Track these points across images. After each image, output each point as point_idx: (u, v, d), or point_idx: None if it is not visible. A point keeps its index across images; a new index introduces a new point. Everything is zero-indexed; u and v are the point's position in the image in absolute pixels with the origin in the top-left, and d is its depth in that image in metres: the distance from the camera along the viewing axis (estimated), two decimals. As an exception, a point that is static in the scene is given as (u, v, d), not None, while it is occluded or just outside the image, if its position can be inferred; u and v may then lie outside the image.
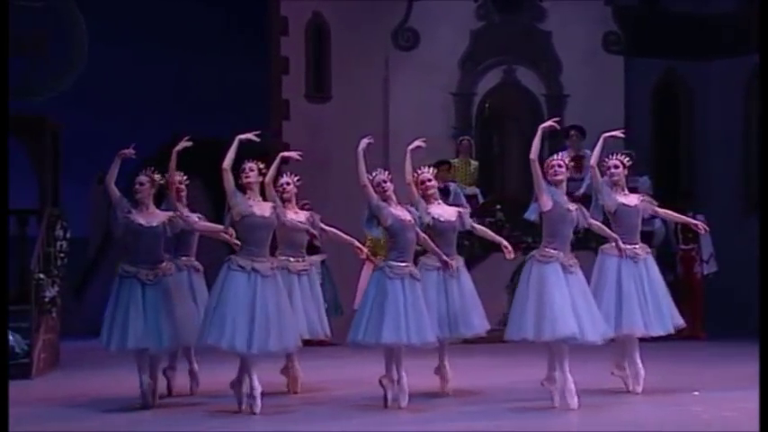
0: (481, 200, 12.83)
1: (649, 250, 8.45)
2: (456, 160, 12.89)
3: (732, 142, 14.56)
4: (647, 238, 12.25)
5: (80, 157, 12.35)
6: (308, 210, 11.69)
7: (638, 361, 8.27)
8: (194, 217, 8.45)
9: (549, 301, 7.36)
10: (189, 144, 8.02)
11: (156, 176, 8.14)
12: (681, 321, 8.42)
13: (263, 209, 7.71)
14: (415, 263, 7.93)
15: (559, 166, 7.79)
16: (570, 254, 7.67)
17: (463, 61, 14.21)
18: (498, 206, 12.60)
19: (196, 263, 8.69)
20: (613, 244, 8.14)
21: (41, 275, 10.29)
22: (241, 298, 7.46)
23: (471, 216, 12.26)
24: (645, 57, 14.42)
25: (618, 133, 8.41)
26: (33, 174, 11.10)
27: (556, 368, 7.52)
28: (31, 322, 9.99)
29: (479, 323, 8.22)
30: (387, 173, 7.91)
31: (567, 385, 7.46)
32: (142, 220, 7.89)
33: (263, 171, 7.88)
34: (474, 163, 13.03)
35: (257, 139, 7.83)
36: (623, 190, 8.28)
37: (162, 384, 8.37)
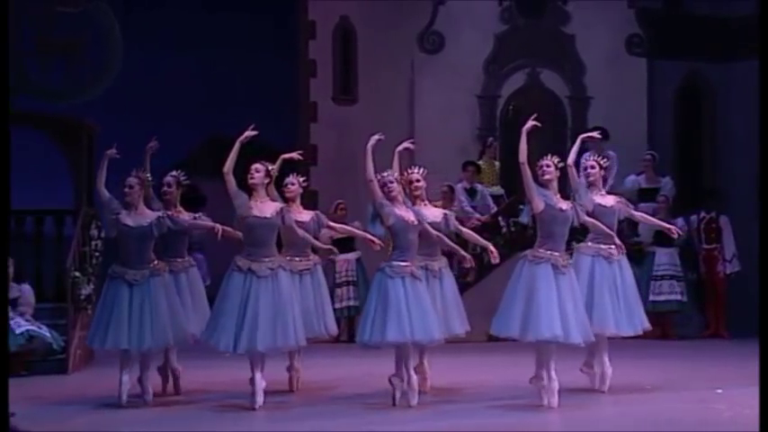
0: (506, 200, 12.98)
1: (625, 250, 8.37)
2: (481, 161, 13.06)
3: (755, 143, 14.62)
4: (669, 236, 12.43)
5: (114, 159, 12.56)
6: (341, 211, 11.88)
7: (607, 360, 8.24)
8: (185, 216, 8.44)
9: (537, 303, 7.44)
10: (254, 133, 7.89)
11: (147, 176, 8.21)
12: (648, 325, 8.37)
13: (264, 210, 7.78)
14: None
15: (548, 166, 7.81)
16: (565, 253, 7.74)
17: (488, 64, 14.38)
18: (522, 206, 12.75)
19: (188, 259, 8.67)
20: (589, 243, 8.20)
21: (77, 274, 10.52)
22: (233, 298, 7.63)
23: (496, 215, 12.59)
24: (668, 59, 14.50)
25: (594, 134, 8.59)
26: (69, 175, 11.37)
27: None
28: (67, 319, 10.21)
29: (459, 324, 8.27)
30: (396, 174, 7.95)
31: (551, 384, 7.51)
32: (130, 221, 7.96)
33: (271, 172, 7.94)
34: (497, 164, 13.18)
35: (255, 132, 7.80)
36: (600, 191, 8.31)
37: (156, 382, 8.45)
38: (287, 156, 8.48)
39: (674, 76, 14.67)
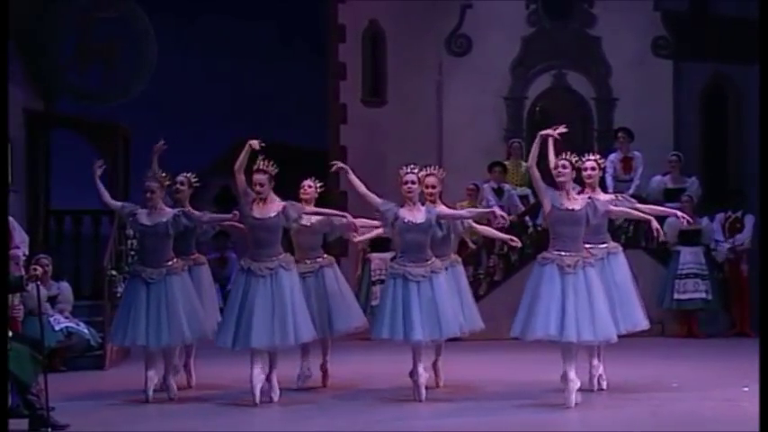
0: (532, 200, 13.12)
1: (597, 256, 8.01)
2: (507, 162, 13.20)
3: (780, 144, 14.66)
4: (695, 235, 12.55)
5: (149, 161, 12.84)
6: (377, 212, 11.91)
7: (594, 362, 8.13)
8: (199, 213, 8.51)
9: (537, 303, 7.55)
10: (257, 147, 8.05)
11: (165, 177, 8.33)
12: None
13: (265, 211, 7.89)
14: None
15: (563, 167, 7.76)
16: (578, 253, 7.63)
17: (514, 66, 14.52)
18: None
19: (197, 256, 8.78)
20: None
21: (114, 272, 10.77)
22: (234, 298, 7.85)
23: (523, 215, 12.72)
24: (693, 60, 14.56)
25: (555, 133, 7.91)
26: (106, 176, 11.63)
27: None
28: (104, 316, 10.41)
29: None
30: (417, 171, 8.01)
31: (569, 385, 7.56)
32: (146, 221, 8.14)
33: (273, 173, 8.02)
34: (525, 164, 13.30)
35: (259, 146, 7.92)
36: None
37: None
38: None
39: (699, 78, 14.72)
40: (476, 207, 11.58)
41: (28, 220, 11.21)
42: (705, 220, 12.64)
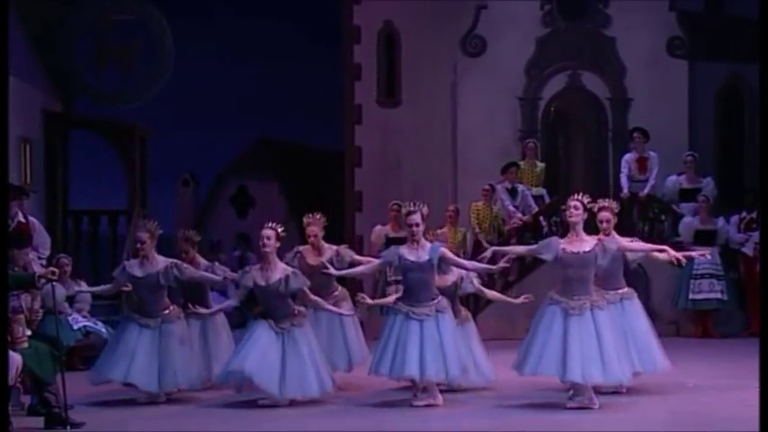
0: (547, 200, 13.14)
1: (610, 301, 7.93)
2: (522, 162, 13.23)
3: (796, 144, 14.65)
4: (711, 236, 12.55)
5: (165, 161, 12.98)
6: (394, 212, 12.01)
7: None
8: (189, 267, 8.44)
9: (534, 340, 7.62)
10: None
11: (155, 227, 8.27)
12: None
13: (270, 277, 7.88)
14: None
15: (575, 207, 7.66)
16: (587, 297, 7.55)
17: (529, 67, 14.54)
18: (564, 207, 12.88)
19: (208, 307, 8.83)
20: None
21: (131, 272, 10.82)
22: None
23: (537, 216, 12.75)
24: (709, 61, 14.55)
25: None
26: (123, 176, 11.78)
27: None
28: (121, 315, 10.54)
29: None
30: (422, 210, 7.94)
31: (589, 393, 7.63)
32: (138, 272, 8.18)
33: (281, 236, 8.01)
34: (540, 165, 13.31)
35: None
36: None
37: None
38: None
39: (714, 78, 14.71)
40: (461, 233, 11.90)
41: (46, 220, 11.31)
42: (721, 221, 12.63)
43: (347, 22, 14.70)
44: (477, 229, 12.47)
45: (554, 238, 7.89)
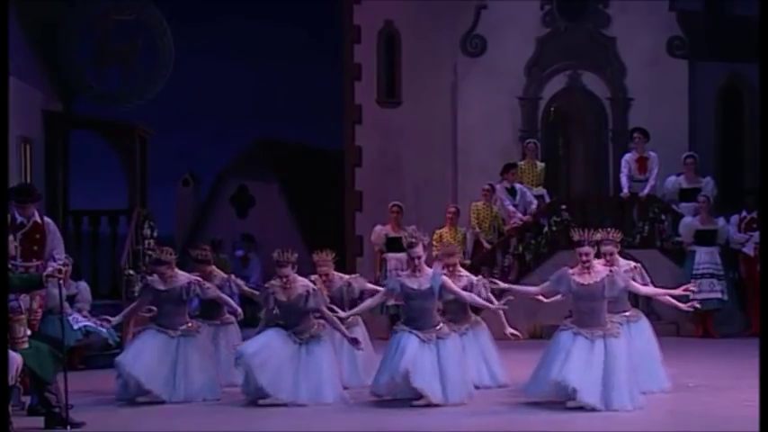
0: (548, 200, 13.15)
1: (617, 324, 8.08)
2: (522, 162, 13.24)
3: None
4: (711, 236, 12.55)
5: (165, 161, 12.99)
6: (394, 213, 12.01)
7: None
8: (210, 286, 8.72)
9: (542, 363, 7.82)
10: None
11: (170, 253, 8.52)
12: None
13: (290, 293, 8.12)
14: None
15: (586, 254, 7.86)
16: (601, 327, 7.77)
17: (529, 67, 14.55)
18: (564, 206, 12.92)
19: (227, 317, 9.13)
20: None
21: (131, 271, 10.89)
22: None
23: (537, 215, 12.75)
24: (709, 60, 14.56)
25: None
26: (123, 176, 11.79)
27: None
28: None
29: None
30: (423, 242, 8.18)
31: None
32: (161, 285, 8.42)
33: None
34: (540, 165, 13.33)
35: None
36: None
37: None
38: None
39: (714, 78, 14.73)
40: (461, 233, 12.02)
41: (46, 221, 11.31)
42: (721, 221, 12.64)
43: (347, 22, 14.71)
44: (478, 229, 12.49)
45: (565, 270, 7.99)
